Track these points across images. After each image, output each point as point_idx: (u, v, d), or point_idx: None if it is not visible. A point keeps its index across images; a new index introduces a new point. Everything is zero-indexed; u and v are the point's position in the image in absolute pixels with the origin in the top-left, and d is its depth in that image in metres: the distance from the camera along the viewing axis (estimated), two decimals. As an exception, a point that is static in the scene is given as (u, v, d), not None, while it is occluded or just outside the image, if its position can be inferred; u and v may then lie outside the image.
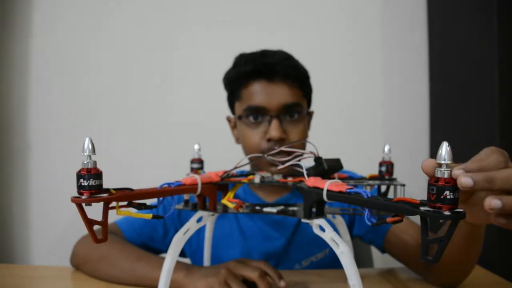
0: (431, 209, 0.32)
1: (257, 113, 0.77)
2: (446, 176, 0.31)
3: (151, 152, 1.47)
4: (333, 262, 0.82)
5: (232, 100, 0.84)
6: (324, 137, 1.28)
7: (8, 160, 1.51)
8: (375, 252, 1.05)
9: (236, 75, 0.80)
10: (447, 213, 0.30)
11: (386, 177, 0.61)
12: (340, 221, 0.64)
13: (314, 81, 0.87)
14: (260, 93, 0.76)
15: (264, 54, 0.80)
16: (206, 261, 0.72)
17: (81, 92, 1.50)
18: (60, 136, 1.49)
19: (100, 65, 1.50)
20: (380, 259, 1.08)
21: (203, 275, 0.63)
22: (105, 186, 0.40)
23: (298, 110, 0.78)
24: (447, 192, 0.30)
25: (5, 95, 1.51)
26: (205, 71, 1.45)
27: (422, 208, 0.32)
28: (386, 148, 0.62)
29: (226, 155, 0.88)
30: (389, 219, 0.36)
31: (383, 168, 0.62)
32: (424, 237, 0.33)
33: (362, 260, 1.01)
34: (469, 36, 1.17)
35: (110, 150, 1.46)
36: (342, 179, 0.61)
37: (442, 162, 0.31)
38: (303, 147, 0.80)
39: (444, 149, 0.31)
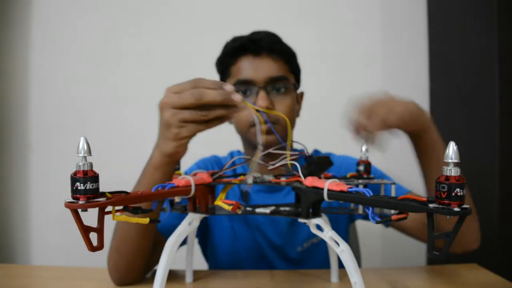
0: (440, 206, 0.32)
1: (245, 85, 0.79)
2: (454, 174, 0.32)
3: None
4: None
5: (223, 81, 0.87)
6: (324, 137, 1.30)
7: (8, 160, 1.51)
8: (363, 251, 1.07)
9: (225, 54, 0.84)
10: (457, 209, 0.31)
11: (365, 176, 0.62)
12: (324, 219, 0.64)
13: (313, 82, 0.90)
14: (248, 67, 0.80)
15: (251, 34, 0.85)
16: (189, 261, 0.71)
17: (81, 92, 1.50)
18: (60, 136, 1.49)
19: (100, 65, 1.49)
20: (368, 259, 1.09)
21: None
22: (105, 189, 0.38)
23: (284, 84, 0.81)
24: (457, 190, 0.31)
25: (5, 95, 1.51)
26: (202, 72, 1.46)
27: (430, 205, 0.33)
28: (364, 148, 0.63)
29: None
30: (394, 217, 0.37)
31: (361, 168, 0.63)
32: (431, 233, 0.33)
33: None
34: (469, 36, 1.19)
35: (110, 150, 1.46)
36: (326, 177, 0.61)
37: (450, 161, 0.32)
38: (291, 125, 0.83)
39: (452, 148, 0.32)
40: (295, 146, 0.91)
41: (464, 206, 0.32)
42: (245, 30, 0.86)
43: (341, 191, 0.41)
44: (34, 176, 1.52)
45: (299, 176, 0.50)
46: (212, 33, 1.45)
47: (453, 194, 0.31)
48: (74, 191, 0.36)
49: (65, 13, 1.50)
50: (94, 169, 0.37)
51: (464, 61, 1.23)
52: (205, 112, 0.52)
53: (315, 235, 0.83)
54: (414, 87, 1.47)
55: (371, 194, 0.39)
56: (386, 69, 1.48)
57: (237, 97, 0.53)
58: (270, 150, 0.56)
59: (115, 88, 1.50)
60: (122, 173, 1.42)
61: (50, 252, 1.50)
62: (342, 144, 1.36)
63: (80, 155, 0.36)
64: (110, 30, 1.50)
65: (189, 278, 0.70)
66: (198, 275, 0.73)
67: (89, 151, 0.36)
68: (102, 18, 1.50)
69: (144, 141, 1.50)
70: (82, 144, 0.36)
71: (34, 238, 1.53)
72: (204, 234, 0.90)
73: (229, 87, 0.53)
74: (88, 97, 1.50)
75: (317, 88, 0.96)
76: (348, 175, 0.62)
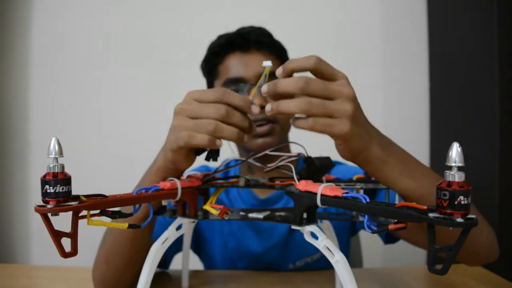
0: (441, 216, 0.29)
1: (236, 84, 0.74)
2: (457, 179, 0.29)
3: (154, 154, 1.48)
4: (330, 264, 0.79)
5: (211, 83, 0.82)
6: (323, 137, 1.27)
7: (8, 160, 1.50)
8: (365, 251, 1.05)
9: (211, 53, 0.79)
10: (460, 220, 0.28)
11: (373, 178, 0.59)
12: (326, 226, 0.62)
13: None
14: (237, 65, 0.75)
15: (237, 29, 0.80)
16: (185, 266, 0.68)
17: (81, 92, 1.49)
18: (60, 136, 1.46)
19: (100, 65, 1.48)
20: (369, 260, 1.08)
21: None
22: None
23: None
24: (461, 198, 0.28)
25: (5, 95, 1.50)
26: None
27: (431, 215, 0.30)
28: None
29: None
30: (391, 226, 0.34)
31: None
32: (432, 246, 0.30)
33: (351, 260, 0.99)
34: (469, 36, 1.18)
35: (113, 151, 1.46)
36: (329, 181, 0.58)
37: (453, 164, 0.29)
38: (289, 125, 0.79)
39: (455, 150, 0.29)
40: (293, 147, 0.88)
41: (469, 216, 0.29)
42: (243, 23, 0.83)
43: (335, 197, 0.38)
44: (34, 176, 1.51)
45: (294, 180, 0.47)
46: (212, 31, 1.43)
47: (456, 203, 0.28)
48: (44, 194, 0.33)
49: (65, 13, 1.49)
50: (94, 168, 0.34)
51: (464, 61, 1.22)
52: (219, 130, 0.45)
53: (310, 254, 0.81)
54: (414, 87, 1.45)
55: (368, 200, 0.36)
56: (386, 69, 1.46)
57: (255, 110, 0.47)
58: (267, 152, 0.53)
59: (115, 88, 1.49)
60: (120, 173, 1.42)
61: (50, 252, 1.49)
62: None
63: (51, 156, 0.34)
64: (110, 29, 1.49)
65: (185, 283, 0.68)
66: (194, 279, 0.71)
67: (61, 152, 0.34)
68: (102, 18, 1.49)
69: (144, 142, 1.50)
70: (53, 144, 0.34)
71: (34, 238, 1.52)
72: (197, 241, 0.86)
73: (257, 109, 0.47)
74: (88, 96, 1.50)
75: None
76: (354, 178, 0.59)
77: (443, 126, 1.35)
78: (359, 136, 0.45)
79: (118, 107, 1.49)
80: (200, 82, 1.48)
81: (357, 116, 0.45)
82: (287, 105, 0.43)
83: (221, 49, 0.77)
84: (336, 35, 1.45)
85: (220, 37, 0.79)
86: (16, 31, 1.49)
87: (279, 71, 0.44)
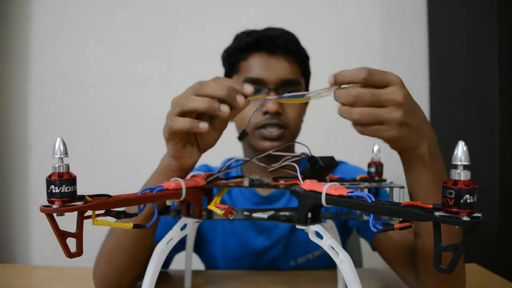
0: (447, 214, 0.29)
1: (255, 85, 0.74)
2: (463, 178, 0.29)
3: (156, 153, 1.47)
4: (331, 260, 0.79)
5: (229, 75, 0.82)
6: (322, 137, 1.27)
7: (8, 160, 1.50)
8: (365, 251, 1.05)
9: (236, 47, 0.79)
10: (466, 218, 0.28)
11: (376, 178, 0.59)
12: (330, 225, 0.62)
13: (312, 81, 0.87)
14: (260, 65, 0.75)
15: (266, 29, 0.80)
16: (188, 266, 0.68)
17: (82, 92, 1.49)
18: (61, 135, 1.48)
19: (101, 64, 1.48)
20: (369, 260, 1.08)
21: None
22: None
23: (296, 88, 0.77)
24: (467, 196, 0.28)
25: (5, 95, 1.50)
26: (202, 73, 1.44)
27: (436, 213, 0.30)
28: (375, 148, 0.60)
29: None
30: (397, 225, 0.34)
31: (372, 169, 0.60)
32: (437, 245, 0.30)
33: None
34: (469, 36, 1.18)
35: (113, 150, 1.46)
36: (332, 180, 0.58)
37: (459, 163, 0.29)
38: (298, 131, 0.80)
39: (461, 149, 0.29)
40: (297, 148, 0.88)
41: (475, 214, 0.29)
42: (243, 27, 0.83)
43: (340, 196, 0.39)
44: (34, 176, 1.51)
45: (298, 179, 0.47)
46: (214, 33, 1.43)
47: (461, 201, 0.28)
48: (49, 195, 0.33)
49: (65, 12, 1.48)
50: (93, 168, 0.34)
51: (464, 61, 1.22)
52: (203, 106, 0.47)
53: (312, 250, 0.81)
54: (414, 87, 1.45)
55: (373, 199, 0.36)
56: (386, 69, 1.46)
57: (248, 89, 0.49)
58: (271, 152, 0.53)
59: (117, 88, 1.49)
60: (124, 173, 1.42)
61: (50, 252, 1.49)
62: (347, 147, 1.35)
63: (56, 156, 0.33)
64: (109, 29, 1.48)
65: (187, 283, 0.68)
66: (196, 279, 0.71)
67: (66, 152, 0.34)
68: (100, 18, 1.49)
69: (147, 142, 1.50)
70: (58, 145, 0.33)
71: (34, 238, 1.52)
72: (198, 241, 0.86)
73: (237, 84, 0.48)
74: (89, 96, 1.49)
75: (316, 88, 0.95)
76: (358, 177, 0.59)
77: (443, 126, 1.35)
78: (406, 139, 0.47)
79: (120, 107, 1.48)
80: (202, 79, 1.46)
81: (408, 120, 0.46)
82: (342, 113, 0.46)
83: (247, 46, 0.77)
84: (336, 34, 1.46)
85: (249, 34, 0.79)
86: (16, 31, 1.49)
87: (331, 81, 0.47)
